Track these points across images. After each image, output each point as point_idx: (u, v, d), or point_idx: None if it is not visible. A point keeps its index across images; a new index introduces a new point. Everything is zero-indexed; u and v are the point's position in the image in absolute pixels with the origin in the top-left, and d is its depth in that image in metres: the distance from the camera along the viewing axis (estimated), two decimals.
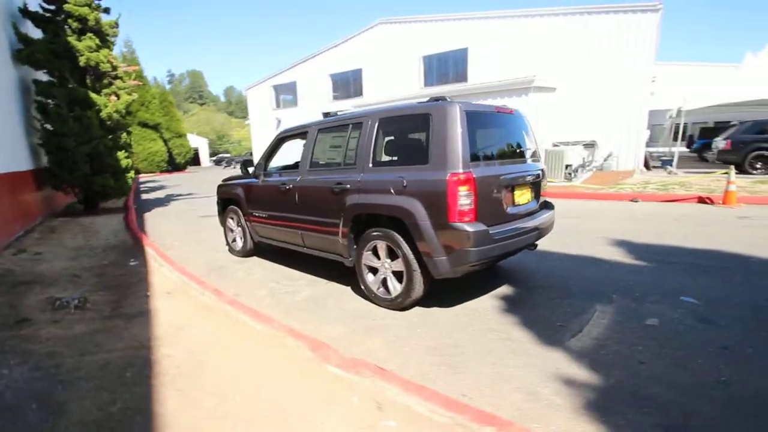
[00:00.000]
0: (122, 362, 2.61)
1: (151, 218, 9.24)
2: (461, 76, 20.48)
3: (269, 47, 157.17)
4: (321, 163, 4.16)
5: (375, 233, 3.47)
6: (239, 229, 5.46)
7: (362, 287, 3.70)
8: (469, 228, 2.95)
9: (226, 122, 69.73)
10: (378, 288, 3.57)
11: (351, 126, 3.79)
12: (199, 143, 48.28)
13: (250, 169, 4.97)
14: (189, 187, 17.78)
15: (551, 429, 1.94)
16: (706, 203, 7.81)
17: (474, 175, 2.96)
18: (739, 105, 15.01)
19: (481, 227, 2.97)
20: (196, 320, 3.27)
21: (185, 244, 6.49)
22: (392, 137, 3.53)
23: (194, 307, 3.56)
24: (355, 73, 24.11)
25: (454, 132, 3.01)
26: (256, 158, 26.92)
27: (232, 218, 5.55)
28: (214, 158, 51.05)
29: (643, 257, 4.70)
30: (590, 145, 16.23)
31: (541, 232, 3.62)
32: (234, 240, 5.61)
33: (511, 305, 3.49)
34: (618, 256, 4.83)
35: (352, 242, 3.73)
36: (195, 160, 43.07)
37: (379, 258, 3.53)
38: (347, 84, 24.86)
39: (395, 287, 3.42)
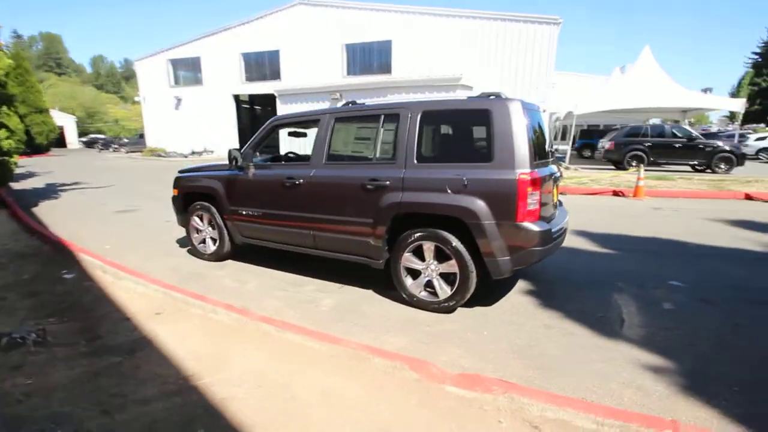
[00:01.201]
0: (176, 417, 1.99)
1: (47, 215, 7.37)
2: (385, 68, 20.60)
3: (156, 11, 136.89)
4: (342, 156, 3.75)
5: (420, 234, 3.25)
6: (210, 229, 4.66)
7: (400, 291, 3.46)
8: (536, 227, 2.95)
9: (97, 97, 59.13)
10: (420, 291, 3.38)
11: (384, 117, 3.46)
12: (65, 121, 40.14)
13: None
14: (67, 175, 14.69)
15: (697, 422, 2.03)
16: (620, 196, 9.20)
17: (538, 175, 2.96)
18: (611, 112, 18.04)
19: (546, 226, 3.00)
20: (231, 346, 2.68)
21: (122, 248, 5.32)
22: (440, 132, 3.32)
23: (212, 330, 2.92)
24: (272, 54, 22.51)
25: (520, 130, 2.95)
26: (149, 139, 23.94)
27: (200, 217, 4.71)
28: (84, 139, 43.03)
29: (606, 246, 5.31)
30: None
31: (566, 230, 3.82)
32: (203, 242, 4.78)
33: (542, 300, 3.61)
34: (586, 245, 5.38)
35: (386, 243, 3.45)
36: (60, 142, 35.67)
37: (422, 259, 3.33)
38: (262, 65, 23.09)
39: (443, 290, 3.27)
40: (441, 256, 3.25)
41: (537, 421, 1.93)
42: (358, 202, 3.50)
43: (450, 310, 3.30)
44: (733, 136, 21.12)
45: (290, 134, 4.74)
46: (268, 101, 28.75)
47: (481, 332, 3.00)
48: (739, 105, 16.61)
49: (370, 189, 3.40)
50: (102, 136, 43.40)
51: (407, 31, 19.77)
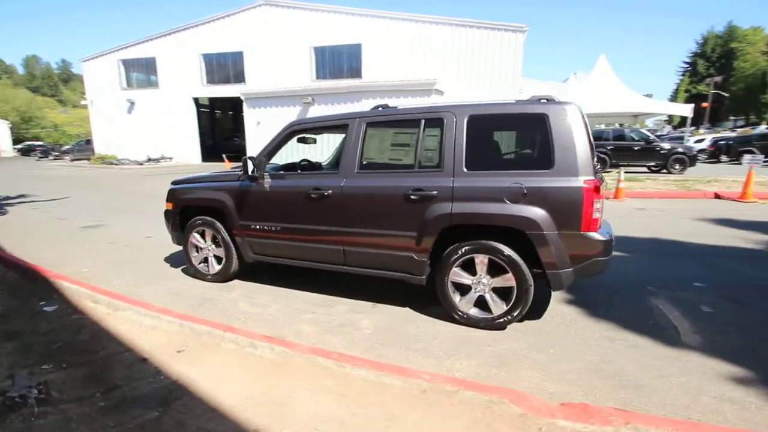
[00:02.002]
0: None
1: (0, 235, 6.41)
2: (356, 72, 20.36)
3: (96, 8, 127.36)
4: (378, 164, 3.45)
5: (471, 246, 3.04)
6: (214, 246, 4.18)
7: (447, 308, 3.22)
8: (600, 237, 2.83)
9: (33, 101, 54.05)
10: (470, 308, 3.15)
11: (424, 122, 3.22)
12: None
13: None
14: (6, 186, 13.14)
15: None
16: None
17: (599, 182, 2.85)
18: None
19: (608, 236, 2.88)
20: (287, 387, 2.30)
21: (103, 271, 4.67)
22: (490, 138, 3.12)
23: (255, 368, 2.52)
24: (236, 56, 21.57)
25: (581, 135, 2.83)
26: (97, 145, 22.19)
27: (202, 233, 4.21)
28: (20, 146, 39.14)
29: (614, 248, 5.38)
30: None
31: None
32: (204, 261, 4.28)
33: (585, 308, 3.52)
34: None
35: (429, 257, 3.21)
36: None
37: (473, 273, 3.11)
38: (225, 67, 22.06)
39: (497, 305, 3.06)
40: (494, 270, 3.05)
41: None
42: (398, 213, 3.23)
43: (503, 327, 3.10)
44: (675, 138, 22.88)
45: (299, 140, 4.37)
46: (232, 105, 27.60)
47: (547, 350, 2.82)
48: (688, 110, 17.98)
49: (413, 200, 3.14)
50: (40, 143, 39.65)
51: (377, 35, 19.66)
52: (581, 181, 2.76)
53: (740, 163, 19.12)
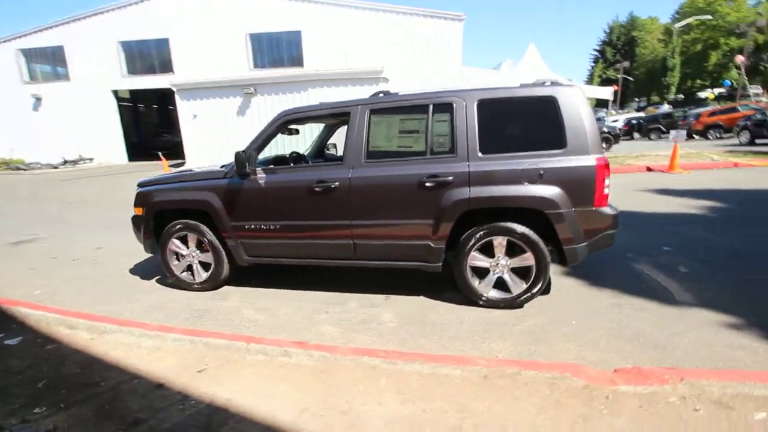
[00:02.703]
0: None
1: None
2: (297, 61, 19.62)
3: None
4: (386, 152, 3.32)
5: (489, 229, 3.06)
6: (199, 252, 3.80)
7: (466, 292, 3.24)
8: (611, 211, 2.99)
9: None
10: (489, 290, 3.20)
11: (432, 107, 3.16)
12: None
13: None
14: None
15: None
16: None
17: (607, 160, 3.00)
18: None
19: (615, 210, 3.06)
20: (342, 393, 2.15)
21: (60, 291, 4.07)
22: (501, 121, 3.12)
23: (296, 378, 2.32)
24: (160, 43, 19.70)
25: (588, 115, 2.95)
26: None
27: (183, 239, 3.81)
28: None
29: None
30: None
31: None
32: (188, 269, 3.88)
33: (583, 279, 3.73)
34: None
35: (446, 244, 3.19)
36: None
37: (490, 256, 3.16)
38: (148, 56, 20.07)
39: (517, 285, 3.14)
40: (511, 251, 3.12)
41: (726, 400, 1.93)
42: (413, 202, 3.16)
43: (520, 306, 3.19)
44: (600, 119, 25.11)
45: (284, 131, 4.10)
46: (158, 97, 25.25)
47: (570, 323, 2.96)
48: (609, 93, 19.80)
49: (429, 187, 3.09)
50: None
51: (317, 22, 19.03)
52: (593, 159, 2.89)
53: (650, 139, 21.54)
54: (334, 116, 3.50)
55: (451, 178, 3.05)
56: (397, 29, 18.77)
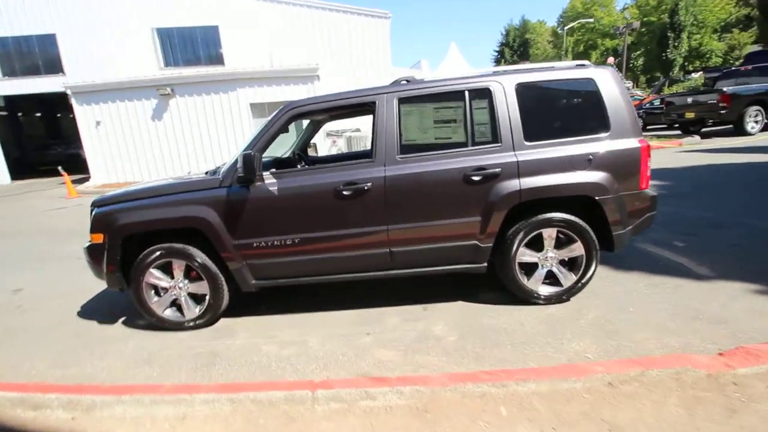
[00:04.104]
0: None
1: None
2: (216, 59, 18.02)
3: None
4: (422, 145, 2.94)
5: (538, 222, 2.88)
6: (189, 282, 3.07)
7: (515, 290, 3.03)
8: (653, 192, 3.00)
9: None
10: (539, 285, 3.03)
11: (468, 93, 2.88)
12: None
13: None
14: None
15: None
16: None
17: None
18: None
19: (655, 191, 3.06)
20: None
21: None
22: (541, 105, 2.93)
23: (391, 422, 1.88)
24: (45, 39, 16.68)
25: (626, 97, 2.90)
26: None
27: (164, 267, 3.04)
28: None
29: None
30: (357, 131, 18.09)
31: None
32: (173, 305, 3.12)
33: (604, 265, 3.78)
34: None
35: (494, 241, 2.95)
36: None
37: (538, 249, 2.98)
38: (30, 54, 16.89)
39: (566, 277, 3.01)
40: (558, 242, 2.98)
41: None
42: (458, 199, 2.85)
43: (566, 299, 3.08)
44: None
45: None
46: (45, 103, 21.37)
47: (627, 309, 2.90)
48: None
49: (475, 181, 2.81)
50: None
51: (237, 17, 17.60)
52: (637, 141, 2.86)
53: None
54: (354, 107, 3.04)
55: (499, 169, 2.80)
56: (327, 26, 18.17)
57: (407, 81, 3.03)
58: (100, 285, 3.45)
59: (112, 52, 17.10)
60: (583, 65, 3.01)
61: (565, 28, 48.37)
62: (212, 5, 17.41)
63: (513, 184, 2.80)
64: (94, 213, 3.06)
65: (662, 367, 2.02)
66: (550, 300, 3.03)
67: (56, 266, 5.13)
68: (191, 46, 17.95)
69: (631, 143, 2.85)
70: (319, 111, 3.09)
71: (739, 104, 11.25)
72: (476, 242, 2.91)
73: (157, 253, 2.98)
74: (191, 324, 3.11)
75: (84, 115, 14.45)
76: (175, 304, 3.14)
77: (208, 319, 3.12)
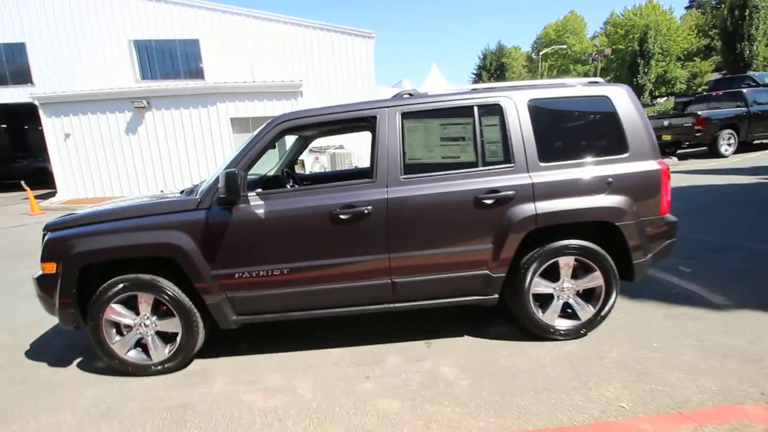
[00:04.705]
0: None
1: None
2: (196, 73, 17.61)
3: None
4: (425, 165, 2.66)
5: (554, 249, 2.63)
6: (157, 319, 2.65)
7: (529, 324, 2.75)
8: (673, 218, 2.80)
9: None
10: (555, 318, 2.76)
11: (477, 109, 2.64)
12: None
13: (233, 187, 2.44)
14: None
15: None
16: None
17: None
18: None
19: (675, 217, 2.86)
20: None
21: None
22: (555, 124, 2.72)
23: None
24: (14, 49, 15.90)
25: (644, 117, 2.73)
26: None
27: (128, 302, 2.62)
28: None
29: None
30: (340, 148, 17.84)
31: None
32: (138, 346, 2.69)
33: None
34: None
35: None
36: None
37: (554, 279, 2.72)
38: None
39: (585, 309, 2.75)
40: (576, 271, 2.73)
41: None
42: (468, 224, 2.58)
43: (584, 334, 2.81)
44: None
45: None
46: (10, 115, 20.28)
47: (650, 345, 2.65)
48: None
49: (487, 204, 2.54)
50: None
51: (220, 31, 17.32)
52: (656, 163, 2.67)
53: None
54: (350, 122, 2.74)
55: (513, 192, 2.55)
56: (311, 44, 18.09)
57: (410, 95, 2.78)
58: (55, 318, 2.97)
59: (86, 64, 16.45)
60: (596, 82, 2.84)
61: (540, 53, 50.38)
62: (193, 18, 17.09)
63: (528, 209, 2.55)
64: (46, 238, 2.62)
65: (717, 423, 1.76)
66: (568, 335, 2.76)
67: (3, 294, 4.54)
68: (170, 59, 17.49)
69: (651, 165, 2.66)
70: (312, 125, 2.78)
71: (713, 127, 11.63)
72: (487, 272, 2.63)
73: (120, 285, 2.56)
74: (159, 368, 2.67)
75: (52, 126, 13.69)
76: (141, 344, 2.70)
77: (180, 361, 2.69)
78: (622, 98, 2.71)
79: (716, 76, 31.98)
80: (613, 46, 43.83)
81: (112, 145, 13.91)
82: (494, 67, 69.46)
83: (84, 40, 16.33)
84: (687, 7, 51.02)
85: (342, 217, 2.50)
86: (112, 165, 14.05)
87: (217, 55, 17.48)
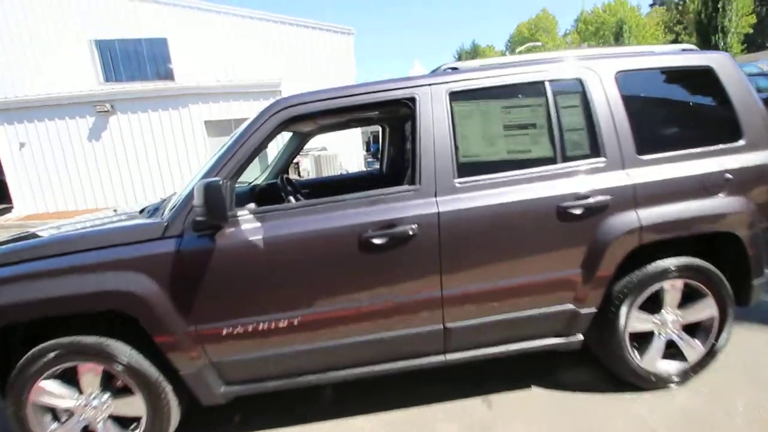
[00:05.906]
0: None
1: None
2: (165, 74, 16.40)
3: None
4: (485, 163, 1.94)
5: (653, 271, 1.95)
6: (111, 397, 1.83)
7: (622, 371, 2.07)
8: None
9: None
10: (657, 362, 2.08)
11: (549, 86, 1.94)
12: None
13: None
14: None
15: None
16: None
17: None
18: None
19: None
20: None
21: None
22: (651, 104, 2.05)
23: None
24: None
25: (756, 95, 2.09)
26: None
27: (66, 375, 1.79)
28: None
29: None
30: (323, 150, 16.99)
31: None
32: None
33: None
34: None
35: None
36: None
37: (655, 311, 2.05)
38: None
39: (692, 347, 2.09)
40: (684, 299, 2.07)
41: None
42: (548, 243, 1.87)
43: (689, 378, 2.15)
44: None
45: None
46: None
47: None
48: None
49: (574, 215, 1.84)
50: None
51: (189, 30, 16.19)
52: None
53: None
54: (377, 107, 1.99)
55: (608, 197, 1.85)
56: (288, 41, 17.18)
57: (454, 69, 2.05)
58: None
59: (42, 66, 15.05)
60: (692, 49, 2.19)
61: (517, 51, 50.79)
62: (159, 16, 15.91)
63: (629, 219, 1.87)
64: None
65: None
66: (674, 382, 2.09)
67: None
68: (136, 60, 16.25)
69: None
70: (323, 113, 1.98)
71: None
72: (573, 307, 1.93)
73: (52, 354, 1.73)
74: None
75: (5, 135, 12.37)
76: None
77: None
78: (728, 69, 2.06)
79: None
80: (585, 43, 44.52)
81: (73, 154, 12.67)
82: None
83: (40, 41, 14.95)
84: (651, 5, 52.39)
85: (375, 241, 1.75)
86: (75, 175, 12.81)
87: (188, 56, 16.33)
